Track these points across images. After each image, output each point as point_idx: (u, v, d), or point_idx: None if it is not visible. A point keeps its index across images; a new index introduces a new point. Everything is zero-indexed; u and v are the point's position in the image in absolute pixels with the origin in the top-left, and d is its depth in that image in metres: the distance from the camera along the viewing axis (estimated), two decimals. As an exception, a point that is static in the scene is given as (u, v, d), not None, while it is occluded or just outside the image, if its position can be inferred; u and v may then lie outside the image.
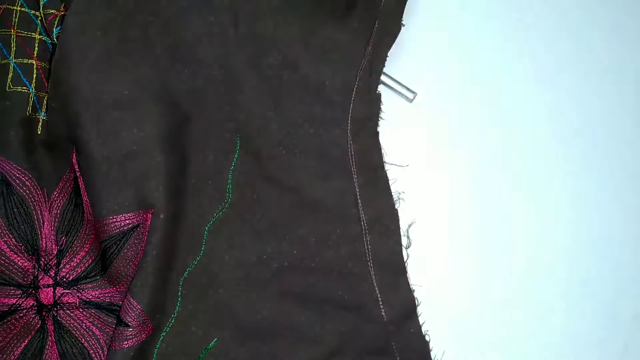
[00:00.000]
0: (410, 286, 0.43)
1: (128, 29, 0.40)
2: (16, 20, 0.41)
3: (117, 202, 0.39)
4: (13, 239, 0.39)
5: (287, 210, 0.42)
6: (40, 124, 0.41)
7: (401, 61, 0.45)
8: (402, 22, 0.43)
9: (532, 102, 0.47)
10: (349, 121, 0.43)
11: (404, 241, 0.43)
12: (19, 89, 0.40)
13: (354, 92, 0.43)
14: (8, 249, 0.39)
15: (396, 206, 0.43)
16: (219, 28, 0.41)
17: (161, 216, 0.39)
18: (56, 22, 0.40)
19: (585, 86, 0.47)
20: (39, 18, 0.41)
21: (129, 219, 0.39)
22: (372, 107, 0.43)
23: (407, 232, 0.44)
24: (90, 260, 0.41)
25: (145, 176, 0.39)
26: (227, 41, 0.41)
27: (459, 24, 0.48)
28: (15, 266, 0.40)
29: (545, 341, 0.45)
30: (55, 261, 0.40)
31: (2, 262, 0.39)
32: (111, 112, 0.39)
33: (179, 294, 0.40)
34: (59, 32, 0.40)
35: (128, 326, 0.38)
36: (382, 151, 0.44)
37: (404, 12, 0.43)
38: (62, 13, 0.40)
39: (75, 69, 0.38)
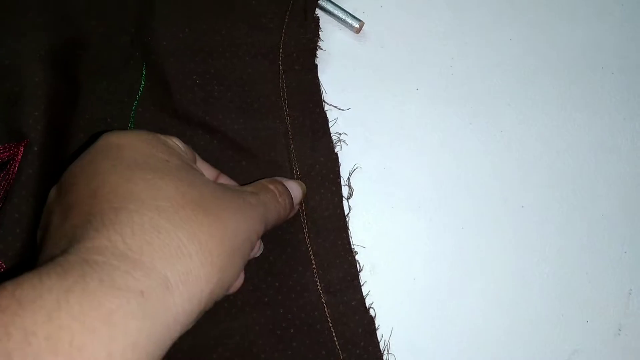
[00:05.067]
0: (352, 247, 0.34)
1: None
2: None
3: (-19, 132, 0.32)
4: None
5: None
6: None
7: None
8: None
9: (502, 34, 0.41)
10: (281, 50, 0.37)
11: (345, 191, 0.35)
12: None
13: (287, 14, 0.37)
14: None
15: (336, 150, 0.36)
16: None
17: (35, 148, 0.31)
18: None
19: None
20: None
21: (-4, 154, 0.32)
22: (308, 34, 0.37)
23: (349, 181, 0.36)
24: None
25: (18, 98, 0.32)
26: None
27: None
28: None
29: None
30: None
31: None
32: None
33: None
34: None
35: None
36: (321, 88, 0.37)
37: None
38: None
39: None
